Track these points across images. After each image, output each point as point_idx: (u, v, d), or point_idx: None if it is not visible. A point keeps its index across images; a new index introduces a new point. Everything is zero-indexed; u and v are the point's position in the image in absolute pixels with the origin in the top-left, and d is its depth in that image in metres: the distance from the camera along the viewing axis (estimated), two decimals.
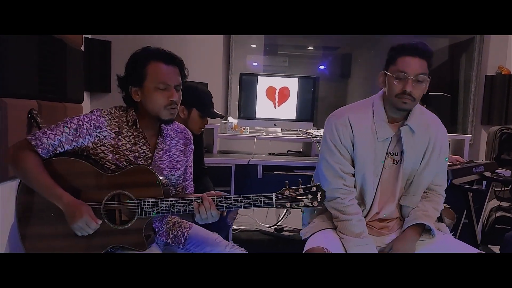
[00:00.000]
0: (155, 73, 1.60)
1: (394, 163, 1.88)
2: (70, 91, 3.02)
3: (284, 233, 3.49)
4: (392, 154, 1.88)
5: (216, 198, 1.54)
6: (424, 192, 1.91)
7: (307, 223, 1.99)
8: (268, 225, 3.67)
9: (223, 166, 2.97)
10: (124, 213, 1.58)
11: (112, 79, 3.73)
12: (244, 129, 3.48)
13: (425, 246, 1.80)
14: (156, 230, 1.76)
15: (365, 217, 1.87)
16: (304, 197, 1.54)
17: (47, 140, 1.55)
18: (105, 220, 1.54)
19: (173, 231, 1.80)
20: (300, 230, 3.40)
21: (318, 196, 1.54)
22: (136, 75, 1.62)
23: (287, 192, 1.54)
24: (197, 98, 2.36)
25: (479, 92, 4.36)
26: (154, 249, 1.66)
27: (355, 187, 1.87)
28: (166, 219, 1.81)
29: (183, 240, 1.78)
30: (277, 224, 3.60)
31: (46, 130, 1.57)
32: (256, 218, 3.67)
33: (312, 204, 1.54)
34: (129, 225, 1.56)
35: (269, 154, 3.40)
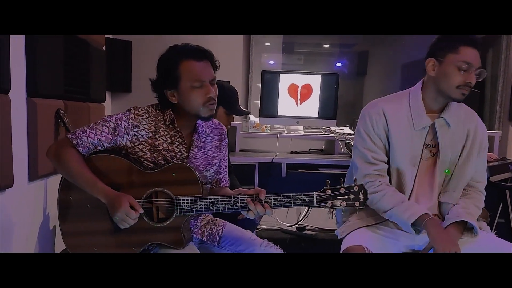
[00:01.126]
0: (189, 72, 1.59)
1: (431, 154, 1.86)
2: (93, 91, 3.04)
3: (306, 232, 3.46)
4: (429, 145, 1.86)
5: (255, 197, 1.54)
6: (463, 190, 1.88)
7: (341, 222, 1.98)
8: (289, 224, 3.65)
9: (246, 165, 2.96)
10: (161, 210, 1.58)
11: (133, 79, 3.75)
12: (265, 127, 3.46)
13: (468, 245, 1.76)
14: (192, 228, 1.76)
15: None
16: (346, 197, 1.53)
17: (87, 139, 1.56)
18: (144, 217, 1.54)
19: (208, 229, 1.80)
20: (322, 229, 3.43)
21: (361, 196, 1.52)
22: (170, 78, 1.61)
23: (329, 192, 1.53)
24: (222, 96, 2.35)
25: (506, 88, 4.25)
26: (192, 247, 1.65)
27: (391, 178, 1.86)
28: (200, 217, 1.81)
29: (218, 238, 1.78)
30: (299, 223, 3.57)
31: (86, 129, 1.58)
32: (276, 217, 3.65)
33: (354, 204, 1.52)
34: (167, 222, 1.56)
35: (291, 152, 3.38)
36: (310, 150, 3.53)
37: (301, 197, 1.52)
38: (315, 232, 3.41)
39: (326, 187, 1.53)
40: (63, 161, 1.56)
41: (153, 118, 1.64)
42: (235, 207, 1.55)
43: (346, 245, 1.79)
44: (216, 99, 1.66)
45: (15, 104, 2.06)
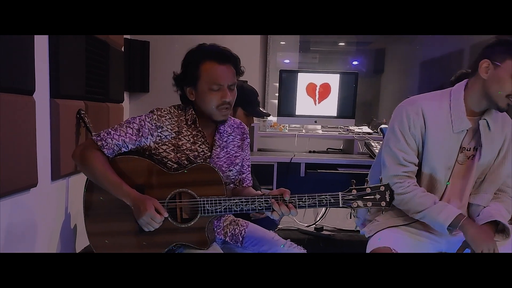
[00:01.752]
0: (208, 73, 1.59)
1: (467, 158, 1.83)
2: (112, 91, 3.07)
3: (324, 232, 3.44)
4: (466, 148, 1.82)
5: (280, 198, 1.53)
6: (494, 194, 1.85)
7: (363, 220, 1.96)
8: (306, 224, 3.64)
9: (264, 164, 2.96)
10: (185, 211, 1.59)
11: (150, 79, 3.77)
12: (283, 126, 3.46)
13: (500, 247, 1.71)
14: (215, 228, 1.77)
15: None
16: (372, 197, 1.51)
17: (112, 141, 1.57)
18: (169, 218, 1.55)
19: (230, 230, 1.80)
20: (340, 229, 3.41)
21: (387, 196, 1.51)
22: (190, 75, 1.62)
23: (354, 192, 1.52)
24: (242, 97, 2.35)
25: None
26: (216, 247, 1.66)
27: (422, 179, 1.83)
28: (223, 218, 1.82)
29: (240, 239, 1.78)
30: (317, 223, 3.56)
31: (110, 130, 1.59)
32: (294, 217, 3.64)
33: (380, 204, 1.51)
34: (192, 223, 1.56)
35: (309, 152, 3.37)
36: (328, 149, 3.52)
37: (326, 197, 1.52)
38: (333, 233, 3.39)
39: (351, 187, 1.52)
40: (88, 164, 1.57)
41: (176, 119, 1.65)
42: (259, 207, 1.55)
43: (373, 245, 1.77)
44: (232, 104, 1.66)
45: (39, 105, 2.09)
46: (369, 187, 1.52)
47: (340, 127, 3.50)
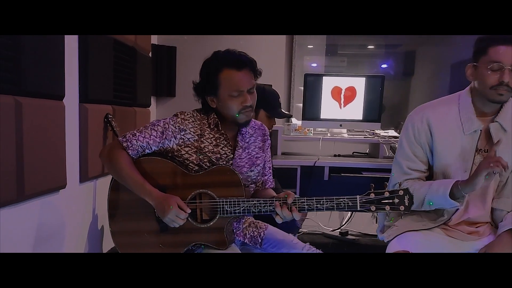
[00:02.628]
0: (228, 81, 1.62)
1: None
2: (139, 96, 3.14)
3: (349, 236, 3.41)
4: (482, 150, 1.79)
5: (298, 200, 1.54)
6: None
7: (382, 226, 1.95)
8: (331, 228, 3.62)
9: (288, 168, 2.96)
10: (205, 212, 1.62)
11: (177, 84, 3.84)
12: (308, 130, 3.45)
13: None
14: (234, 230, 1.79)
15: (451, 218, 1.80)
16: (390, 201, 1.51)
17: (137, 142, 1.62)
18: (189, 218, 1.58)
19: (249, 231, 1.82)
20: (365, 234, 3.38)
21: (406, 200, 1.50)
22: (210, 85, 1.65)
23: (372, 196, 1.52)
24: (264, 99, 2.37)
25: None
26: (234, 248, 1.68)
27: None
28: (243, 220, 1.84)
29: (259, 240, 1.80)
30: (342, 228, 3.54)
31: (135, 132, 1.64)
32: (318, 221, 3.63)
33: (399, 209, 1.50)
34: (211, 223, 1.59)
35: (335, 155, 3.35)
36: (354, 153, 3.49)
37: (344, 201, 1.52)
38: (357, 237, 3.36)
39: (370, 191, 1.52)
40: (114, 163, 1.63)
41: (198, 122, 1.69)
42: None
43: (391, 250, 1.76)
44: (254, 106, 1.69)
45: (68, 110, 2.17)
46: (387, 191, 1.52)
47: (365, 131, 3.47)
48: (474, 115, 1.77)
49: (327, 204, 1.53)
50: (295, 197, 1.55)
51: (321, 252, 1.78)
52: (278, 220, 1.56)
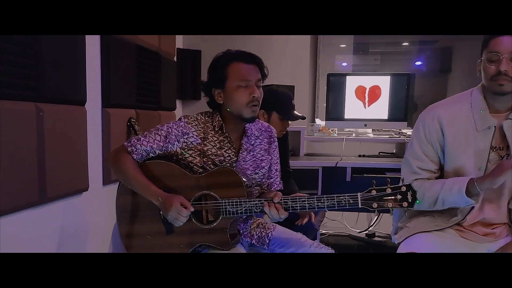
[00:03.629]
0: (236, 72, 1.66)
1: (500, 158, 1.73)
2: (164, 99, 3.21)
3: (376, 238, 3.36)
4: (497, 148, 1.73)
5: (299, 199, 1.54)
6: None
7: (397, 227, 1.91)
8: (358, 230, 3.57)
9: (310, 169, 2.95)
10: (210, 213, 1.64)
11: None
12: (332, 130, 3.42)
13: None
14: (241, 231, 1.80)
15: (464, 218, 1.74)
16: (393, 197, 1.48)
17: (141, 146, 1.67)
18: (193, 220, 1.61)
19: (257, 232, 1.83)
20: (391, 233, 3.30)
21: (409, 196, 1.48)
22: (218, 77, 1.68)
23: (374, 192, 1.49)
24: (276, 101, 2.37)
25: None
26: (239, 249, 1.70)
27: None
28: (250, 221, 1.85)
29: (267, 241, 1.81)
30: (369, 229, 3.48)
31: (140, 137, 1.69)
32: (345, 223, 3.59)
33: (402, 205, 1.47)
34: (214, 224, 1.61)
35: (359, 156, 3.31)
36: (380, 153, 3.43)
37: (345, 198, 1.50)
38: (384, 239, 3.30)
39: (371, 188, 1.50)
40: (120, 167, 1.68)
41: (202, 125, 1.71)
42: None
43: (401, 251, 1.73)
44: (260, 101, 1.69)
45: (91, 114, 2.25)
46: (389, 188, 1.49)
47: (392, 130, 3.40)
48: (486, 111, 1.71)
49: (327, 202, 1.52)
50: (296, 197, 1.54)
51: (329, 249, 1.76)
52: (266, 219, 1.57)
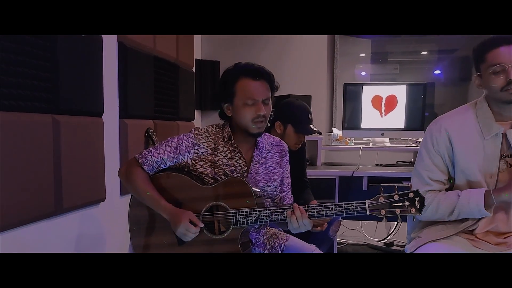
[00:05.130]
0: (244, 89, 1.67)
1: (508, 166, 1.72)
2: (182, 110, 3.26)
3: (394, 247, 3.32)
4: (505, 156, 1.72)
5: (307, 207, 1.55)
6: None
7: (410, 239, 1.90)
8: (377, 239, 3.53)
9: (327, 178, 2.94)
10: (222, 223, 1.65)
11: None
12: (349, 140, 3.41)
13: None
14: (254, 241, 1.81)
15: (476, 225, 1.73)
16: (400, 204, 1.48)
17: (152, 158, 1.69)
18: (204, 230, 1.63)
19: (270, 242, 1.83)
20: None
21: (416, 202, 1.47)
22: (227, 93, 1.70)
23: (382, 199, 1.49)
24: (292, 115, 2.38)
25: None
26: None
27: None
28: (263, 231, 1.85)
29: (280, 251, 1.81)
30: (387, 238, 3.44)
31: (151, 149, 1.72)
32: (364, 232, 3.55)
33: (410, 211, 1.47)
34: (225, 235, 1.62)
35: (376, 165, 3.28)
36: (398, 162, 3.40)
37: (353, 206, 1.50)
38: (403, 248, 3.25)
39: (379, 195, 1.50)
40: (131, 180, 1.71)
41: (213, 136, 1.74)
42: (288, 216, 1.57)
43: None
44: (268, 117, 1.71)
45: (108, 125, 2.30)
46: (397, 194, 1.49)
47: (409, 139, 3.37)
48: (492, 119, 1.72)
49: (336, 210, 1.52)
50: (305, 205, 1.55)
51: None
52: (290, 227, 1.57)
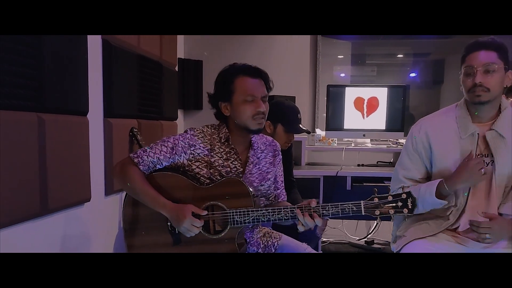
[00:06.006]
0: (243, 87, 1.68)
1: (485, 164, 1.80)
2: (166, 109, 3.23)
3: (375, 245, 3.39)
4: (481, 155, 1.81)
5: (304, 207, 1.57)
6: None
7: (395, 237, 1.96)
8: (358, 238, 3.59)
9: (311, 178, 2.97)
10: (217, 223, 1.65)
11: (204, 97, 3.91)
12: (332, 140, 3.46)
13: None
14: (248, 240, 1.82)
15: (457, 223, 1.82)
16: (394, 204, 1.53)
17: (147, 158, 1.68)
18: (201, 230, 1.62)
19: (264, 241, 1.85)
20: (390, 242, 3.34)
21: (409, 203, 1.52)
22: (225, 91, 1.71)
23: (376, 200, 1.53)
24: (282, 114, 2.40)
25: None
26: None
27: None
28: (257, 230, 1.87)
29: (273, 250, 1.82)
30: (368, 237, 3.51)
31: (146, 148, 1.70)
32: (345, 231, 3.61)
33: (402, 211, 1.52)
34: (222, 234, 1.63)
35: (358, 165, 3.34)
36: (378, 163, 3.46)
37: (349, 206, 1.54)
38: (383, 246, 3.33)
39: (373, 196, 1.54)
40: (127, 179, 1.68)
41: (209, 137, 1.73)
42: (285, 217, 1.59)
43: None
44: (266, 114, 1.72)
45: (93, 125, 2.26)
46: (390, 195, 1.54)
47: (389, 140, 3.44)
48: (469, 120, 1.82)
49: (332, 210, 1.55)
50: (299, 205, 1.58)
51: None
52: (301, 228, 1.59)
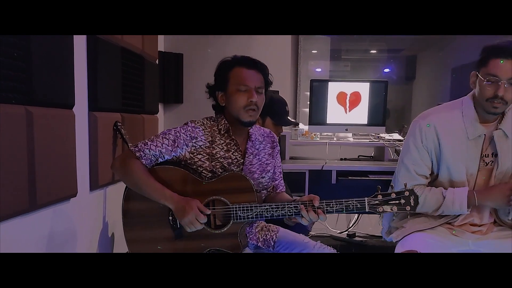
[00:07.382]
0: (237, 76, 1.69)
1: (485, 164, 1.84)
2: (147, 103, 3.18)
3: (356, 238, 3.44)
4: (484, 155, 1.85)
5: (308, 204, 1.57)
6: None
7: (389, 227, 2.00)
8: (339, 231, 3.64)
9: (296, 172, 2.99)
10: (218, 218, 1.64)
11: (184, 90, 3.87)
12: (314, 135, 3.48)
13: None
14: (247, 234, 1.82)
15: (456, 220, 1.86)
16: (397, 202, 1.55)
17: (149, 151, 1.65)
18: (204, 225, 1.61)
19: (262, 235, 1.86)
20: (372, 235, 3.40)
21: (411, 200, 1.55)
22: (221, 80, 1.72)
23: (380, 197, 1.56)
24: (270, 107, 2.40)
25: None
26: (247, 251, 1.71)
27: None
28: (255, 224, 1.87)
29: (272, 243, 1.84)
30: (349, 230, 3.56)
31: (147, 141, 1.67)
32: (327, 224, 3.65)
33: (405, 208, 1.55)
34: (225, 229, 1.62)
35: (341, 159, 3.38)
36: (360, 157, 3.51)
37: (353, 203, 1.56)
38: (365, 239, 3.39)
39: (377, 193, 1.56)
40: (130, 173, 1.65)
41: (209, 129, 1.73)
42: (289, 213, 1.59)
43: (400, 250, 1.81)
44: (260, 107, 1.73)
45: (78, 118, 2.19)
46: (394, 192, 1.56)
47: (371, 135, 3.50)
48: (477, 121, 1.82)
49: (336, 206, 1.57)
50: (303, 201, 1.59)
51: (331, 249, 1.82)
52: (304, 222, 1.59)
